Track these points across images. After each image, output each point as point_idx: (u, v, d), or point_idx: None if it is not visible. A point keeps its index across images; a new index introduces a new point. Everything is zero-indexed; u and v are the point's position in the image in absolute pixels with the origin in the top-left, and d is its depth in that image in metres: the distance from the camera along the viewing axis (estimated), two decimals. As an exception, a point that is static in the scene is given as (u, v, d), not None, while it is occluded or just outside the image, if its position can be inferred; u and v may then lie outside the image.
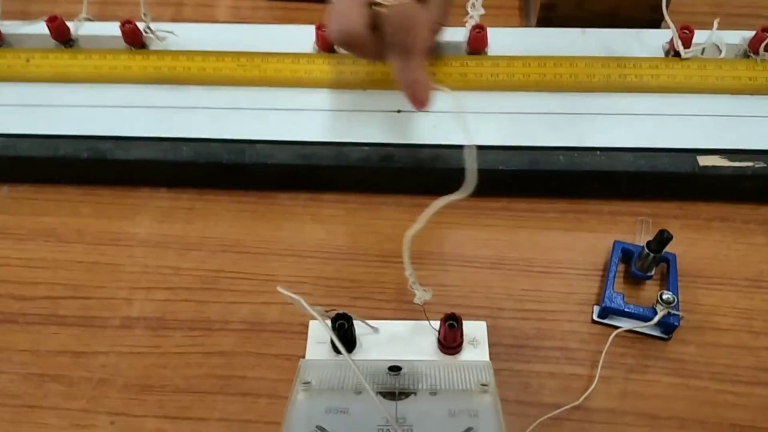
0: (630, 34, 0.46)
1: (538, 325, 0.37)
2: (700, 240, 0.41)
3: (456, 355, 0.34)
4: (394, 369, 0.31)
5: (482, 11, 0.43)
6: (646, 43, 0.45)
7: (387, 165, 0.40)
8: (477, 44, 0.44)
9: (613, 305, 0.36)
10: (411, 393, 0.29)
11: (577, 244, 0.41)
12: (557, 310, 0.38)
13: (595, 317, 0.37)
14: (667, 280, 0.38)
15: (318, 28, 0.44)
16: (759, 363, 0.36)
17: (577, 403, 0.34)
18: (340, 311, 0.33)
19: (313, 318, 0.29)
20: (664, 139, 0.41)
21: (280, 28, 0.47)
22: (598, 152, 0.40)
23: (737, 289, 0.39)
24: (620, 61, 0.43)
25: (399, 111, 0.42)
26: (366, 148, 0.41)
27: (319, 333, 0.34)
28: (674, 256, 0.38)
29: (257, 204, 0.43)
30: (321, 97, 0.43)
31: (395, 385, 0.30)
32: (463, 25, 0.44)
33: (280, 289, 0.27)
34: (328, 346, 0.34)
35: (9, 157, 0.41)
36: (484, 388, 0.29)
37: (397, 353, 0.33)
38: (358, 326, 0.34)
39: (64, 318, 0.38)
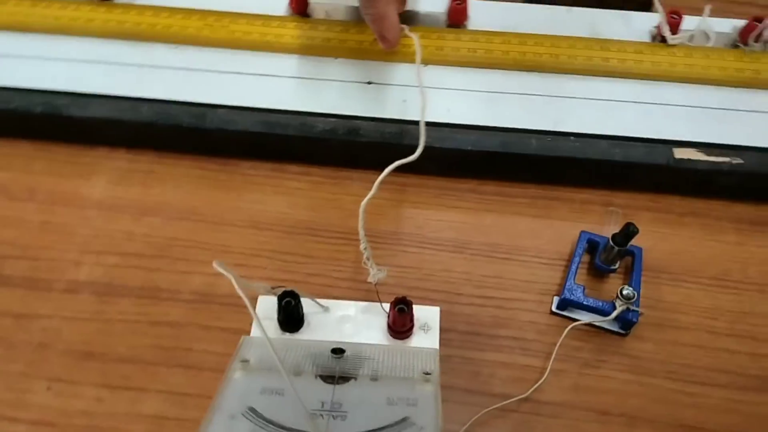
0: (617, 16, 0.44)
1: (495, 313, 0.36)
2: (671, 234, 0.40)
3: (405, 340, 0.33)
4: (337, 351, 0.30)
5: (463, -18, 0.41)
6: (634, 26, 0.43)
7: (353, 138, 0.39)
8: (457, 17, 0.42)
9: (572, 297, 0.35)
10: (351, 378, 0.29)
11: (545, 231, 0.40)
12: (517, 298, 0.37)
13: (553, 308, 0.36)
14: (631, 274, 0.37)
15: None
16: (716, 364, 0.35)
17: (525, 395, 0.33)
18: (288, 288, 0.32)
19: (248, 294, 0.28)
20: (641, 128, 0.39)
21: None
22: (572, 138, 0.39)
23: (702, 287, 0.38)
24: (604, 43, 0.42)
25: (369, 83, 0.41)
26: (332, 119, 0.39)
27: (267, 309, 0.33)
28: (640, 250, 0.37)
29: (219, 171, 0.41)
30: (289, 63, 0.41)
31: (336, 368, 0.29)
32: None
33: (215, 264, 0.26)
34: (275, 323, 0.33)
35: (-40, 107, 0.40)
36: (427, 377, 0.29)
37: (346, 335, 0.32)
38: (309, 304, 0.33)
39: (9, 278, 0.37)
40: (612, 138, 0.39)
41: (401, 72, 0.41)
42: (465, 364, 0.35)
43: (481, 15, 0.43)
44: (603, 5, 0.44)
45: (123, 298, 0.36)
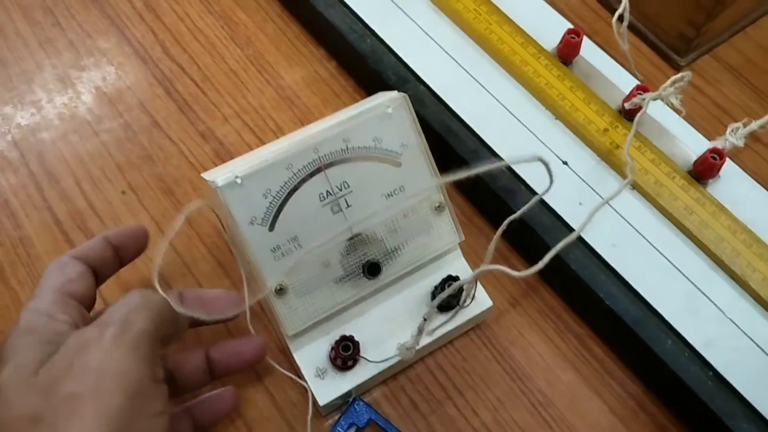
0: None
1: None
2: None
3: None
4: None
5: (741, 142, 0.34)
6: None
7: (488, 183, 0.35)
8: (703, 170, 0.34)
9: None
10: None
11: (608, 433, 0.33)
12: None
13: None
14: None
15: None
16: None
17: None
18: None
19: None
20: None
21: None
22: (711, 373, 0.31)
23: None
24: None
25: (565, 163, 0.36)
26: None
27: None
28: None
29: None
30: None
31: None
32: (708, 137, 0.35)
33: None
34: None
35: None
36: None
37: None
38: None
39: (174, 92, 0.40)
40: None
41: (607, 178, 0.36)
42: None
43: (729, 182, 0.35)
44: None
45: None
